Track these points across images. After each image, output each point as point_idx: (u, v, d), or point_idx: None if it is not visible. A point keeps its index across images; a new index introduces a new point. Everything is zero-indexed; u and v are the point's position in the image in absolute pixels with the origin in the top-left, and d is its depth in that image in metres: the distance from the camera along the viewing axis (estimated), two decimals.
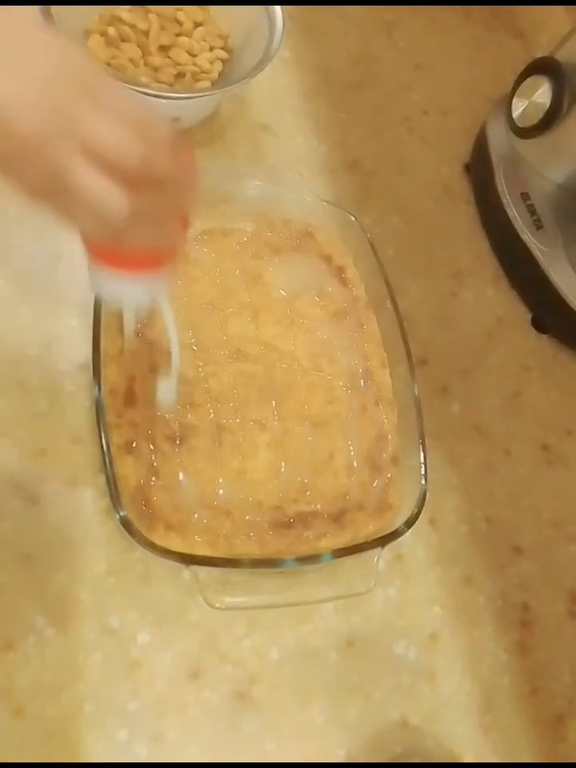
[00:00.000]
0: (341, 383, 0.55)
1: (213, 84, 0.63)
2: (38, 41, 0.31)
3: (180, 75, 0.62)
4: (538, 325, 0.67)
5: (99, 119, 0.31)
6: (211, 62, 0.63)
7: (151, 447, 0.49)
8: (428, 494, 0.50)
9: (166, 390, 0.48)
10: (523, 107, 0.65)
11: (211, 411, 0.51)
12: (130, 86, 0.55)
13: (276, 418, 0.53)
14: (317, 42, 0.77)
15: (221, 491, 0.49)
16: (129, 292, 0.39)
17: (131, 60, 0.61)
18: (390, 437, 0.54)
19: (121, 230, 0.33)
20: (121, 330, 0.49)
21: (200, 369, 0.53)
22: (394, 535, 0.48)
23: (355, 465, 0.52)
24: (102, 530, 0.48)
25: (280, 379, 0.54)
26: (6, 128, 0.30)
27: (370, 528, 0.50)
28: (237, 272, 0.58)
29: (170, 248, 0.39)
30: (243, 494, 0.49)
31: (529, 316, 0.68)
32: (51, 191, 0.32)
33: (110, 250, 0.37)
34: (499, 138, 0.69)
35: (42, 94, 0.30)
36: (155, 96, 0.56)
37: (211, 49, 0.64)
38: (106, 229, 0.33)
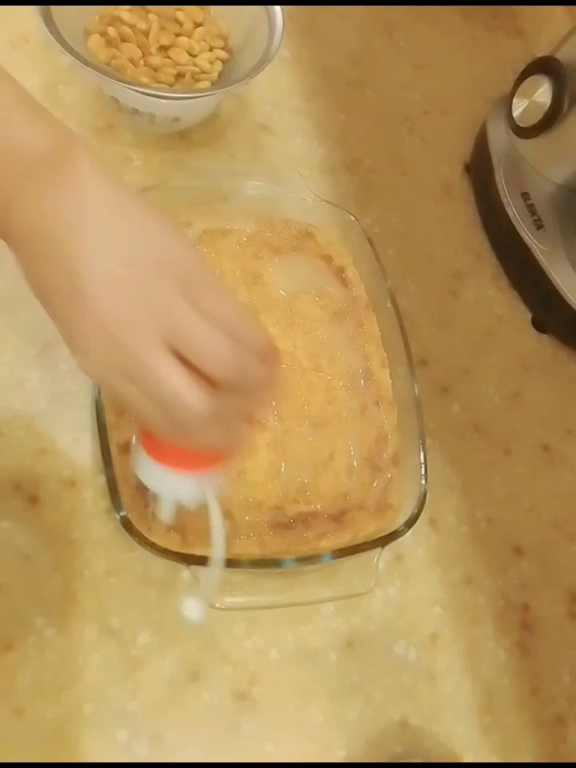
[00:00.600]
0: (341, 383, 0.55)
1: (213, 84, 0.63)
2: (147, 225, 0.30)
3: (180, 75, 0.62)
4: (538, 325, 0.67)
5: (195, 320, 0.29)
6: (211, 62, 0.63)
7: None
8: (428, 493, 0.50)
9: (194, 608, 0.44)
10: (523, 107, 0.65)
11: None
12: (130, 86, 0.55)
13: (276, 417, 0.52)
14: (317, 42, 0.77)
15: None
16: (179, 488, 0.38)
17: (131, 60, 0.61)
18: (390, 437, 0.54)
19: (191, 430, 0.31)
20: (154, 513, 0.44)
21: None
22: (394, 535, 0.48)
23: (355, 465, 0.52)
24: (102, 529, 0.48)
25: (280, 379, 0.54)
26: (86, 303, 0.28)
27: (369, 528, 0.50)
28: (237, 272, 0.58)
29: (230, 448, 0.37)
30: (243, 494, 0.49)
31: (529, 316, 0.68)
32: (121, 378, 0.30)
33: (166, 446, 0.35)
34: (499, 138, 0.69)
35: (139, 280, 0.28)
36: (155, 96, 0.56)
37: (211, 49, 0.64)
38: (176, 427, 0.31)
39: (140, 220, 0.29)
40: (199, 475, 0.37)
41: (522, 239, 0.65)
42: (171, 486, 0.37)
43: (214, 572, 0.41)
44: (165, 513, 0.40)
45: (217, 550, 0.40)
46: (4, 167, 0.29)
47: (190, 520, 0.47)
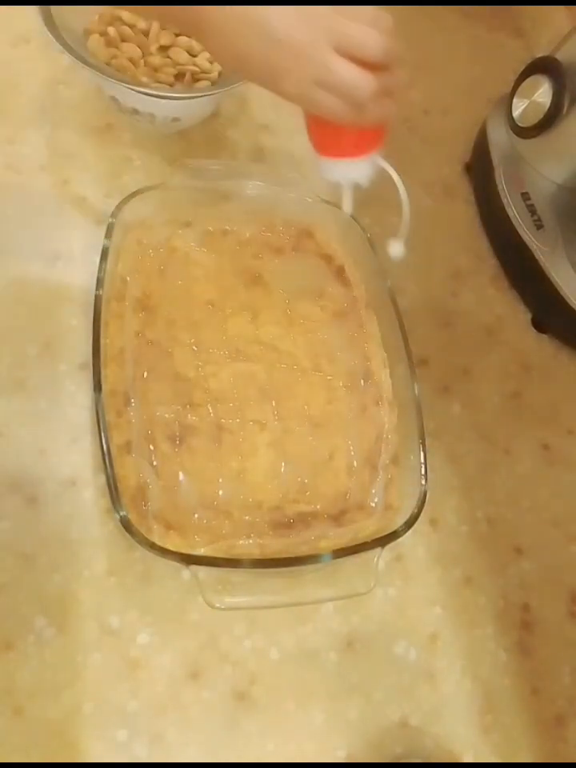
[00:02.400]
0: (341, 383, 0.55)
1: (213, 84, 0.63)
2: None
3: (180, 75, 0.62)
4: (538, 325, 0.67)
5: (347, 23, 0.41)
6: (211, 62, 0.63)
7: (151, 447, 0.49)
8: (428, 493, 0.50)
9: (397, 248, 0.51)
10: (523, 107, 0.65)
11: (211, 411, 0.51)
12: (130, 86, 0.55)
13: (276, 417, 0.52)
14: None
15: (221, 491, 0.49)
16: (355, 170, 0.48)
17: (131, 60, 0.61)
18: (389, 437, 0.54)
19: (364, 108, 0.43)
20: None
21: (200, 369, 0.53)
22: (394, 535, 0.48)
23: (355, 465, 0.52)
24: (101, 530, 0.48)
25: (280, 379, 0.54)
26: (280, 42, 0.40)
27: (370, 528, 0.50)
28: (237, 272, 0.58)
29: (382, 129, 0.47)
30: (243, 494, 0.49)
31: (529, 316, 0.68)
32: (314, 87, 0.42)
33: (342, 142, 0.47)
34: (499, 138, 0.69)
35: (302, 14, 0.41)
36: (155, 96, 0.56)
37: None
38: (354, 109, 0.43)
39: None
40: (367, 157, 0.48)
41: (522, 239, 0.65)
42: (355, 172, 0.49)
43: (404, 228, 0.50)
44: (347, 203, 0.51)
45: (404, 203, 0.50)
46: None
47: (189, 519, 0.47)
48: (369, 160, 0.48)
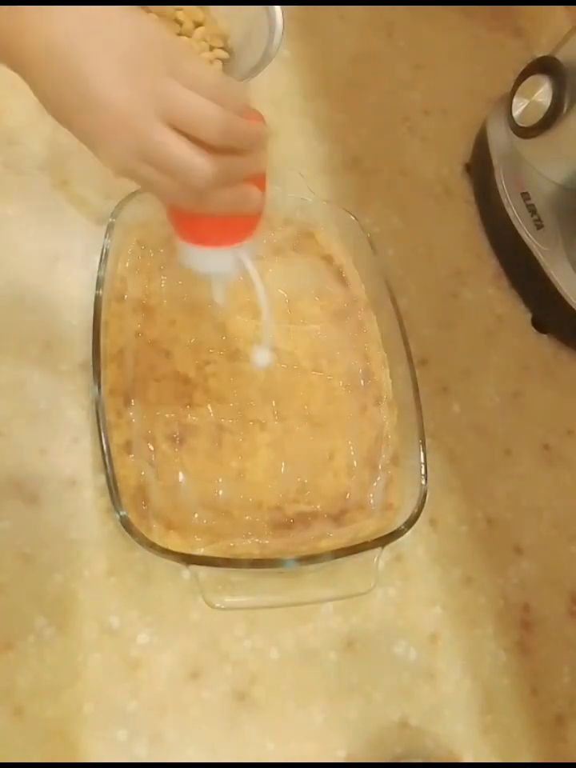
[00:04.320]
0: (341, 383, 0.55)
1: None
2: (120, 22, 0.34)
3: None
4: (538, 325, 0.67)
5: (182, 91, 0.33)
6: (211, 62, 0.63)
7: (151, 447, 0.49)
8: (428, 493, 0.50)
9: (262, 356, 0.48)
10: (523, 107, 0.65)
11: (211, 411, 0.51)
12: None
13: (276, 417, 0.52)
14: (317, 42, 0.77)
15: (221, 491, 0.49)
16: (219, 263, 0.42)
17: None
18: (389, 437, 0.54)
19: (205, 196, 0.36)
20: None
21: (200, 369, 0.53)
22: (394, 535, 0.48)
23: (355, 465, 0.52)
24: (102, 530, 0.48)
25: (280, 379, 0.54)
26: (97, 103, 0.33)
27: (370, 528, 0.50)
28: (237, 272, 0.58)
29: (251, 217, 0.40)
30: (243, 494, 0.49)
31: (529, 316, 0.68)
32: (139, 162, 0.34)
33: (195, 226, 0.40)
34: (499, 138, 0.69)
35: (128, 70, 0.33)
36: None
37: (211, 49, 0.64)
38: (191, 195, 0.35)
39: (121, 22, 0.34)
40: (232, 248, 0.41)
41: (521, 239, 0.65)
42: (213, 264, 0.42)
43: (265, 329, 0.46)
44: (218, 294, 0.46)
45: (264, 314, 0.45)
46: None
47: (189, 519, 0.47)
48: (230, 252, 0.41)
